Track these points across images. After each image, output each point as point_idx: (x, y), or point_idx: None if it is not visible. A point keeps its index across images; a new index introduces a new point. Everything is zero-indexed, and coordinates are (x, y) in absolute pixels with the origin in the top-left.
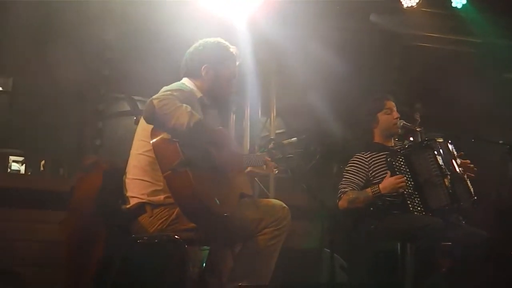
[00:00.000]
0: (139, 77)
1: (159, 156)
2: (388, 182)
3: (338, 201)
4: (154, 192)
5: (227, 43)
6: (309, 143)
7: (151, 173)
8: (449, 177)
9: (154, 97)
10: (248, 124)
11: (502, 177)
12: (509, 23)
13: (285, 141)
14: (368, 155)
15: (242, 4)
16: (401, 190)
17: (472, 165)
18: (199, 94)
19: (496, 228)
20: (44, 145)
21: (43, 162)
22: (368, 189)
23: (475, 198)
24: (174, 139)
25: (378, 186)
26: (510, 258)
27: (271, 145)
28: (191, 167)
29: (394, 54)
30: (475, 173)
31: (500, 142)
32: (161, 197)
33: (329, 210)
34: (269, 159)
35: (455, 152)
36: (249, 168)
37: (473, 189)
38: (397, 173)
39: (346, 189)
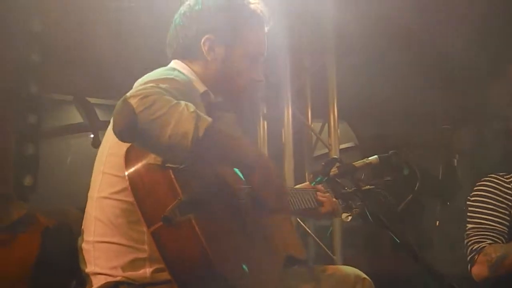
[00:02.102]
0: (97, 66)
1: (141, 198)
2: None
3: (471, 266)
4: (135, 263)
5: None
6: (403, 165)
7: (128, 229)
8: None
9: (129, 94)
10: (291, 135)
11: None
12: None
13: (358, 163)
14: (511, 179)
15: None
16: None
17: None
18: (202, 88)
19: None
20: None
21: None
22: None
23: None
24: (168, 165)
25: None
26: None
27: (334, 171)
28: (198, 213)
29: None
30: None
31: None
32: (147, 270)
33: (441, 279)
34: (326, 194)
35: None
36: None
37: None
38: None
39: (481, 244)
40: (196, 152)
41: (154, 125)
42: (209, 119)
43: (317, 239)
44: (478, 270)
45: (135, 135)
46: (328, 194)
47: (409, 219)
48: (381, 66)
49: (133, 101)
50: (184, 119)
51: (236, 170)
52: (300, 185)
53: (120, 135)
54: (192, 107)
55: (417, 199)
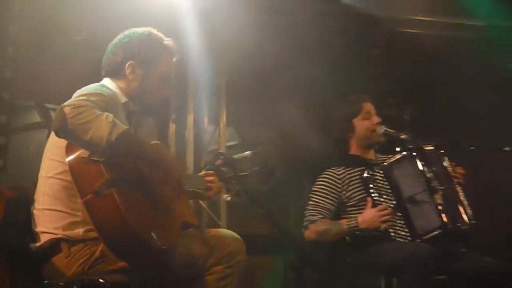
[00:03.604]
0: (53, 81)
1: (77, 178)
2: (368, 215)
3: (304, 230)
4: (71, 225)
5: (160, 34)
6: (267, 158)
7: (67, 200)
8: (440, 193)
9: (65, 103)
10: (192, 135)
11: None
12: None
13: (237, 156)
14: (342, 171)
15: None
16: (384, 226)
17: (462, 172)
18: (123, 99)
19: (506, 257)
20: None
21: None
22: (343, 221)
23: (473, 222)
24: (92, 158)
25: (356, 219)
26: None
27: (219, 161)
28: (118, 189)
29: (374, 43)
30: (483, 189)
31: (507, 149)
32: (80, 230)
33: (295, 240)
34: (212, 179)
35: (448, 164)
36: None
37: (480, 211)
38: (375, 191)
39: (314, 217)
40: (111, 149)
41: (80, 128)
42: (124, 127)
43: (208, 210)
44: (309, 234)
45: (66, 134)
46: (214, 178)
47: (277, 197)
48: (259, 87)
49: (66, 109)
50: (102, 126)
51: None
52: (197, 174)
53: (56, 133)
54: (111, 118)
55: (281, 183)
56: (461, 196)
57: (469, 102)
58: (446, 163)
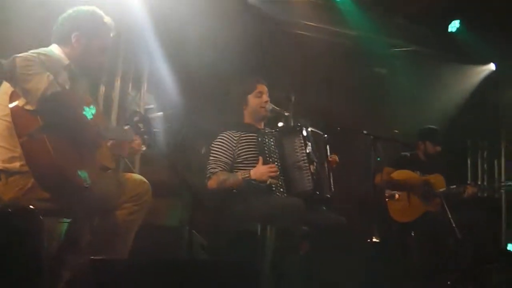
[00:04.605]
0: (5, 39)
1: (17, 121)
2: (260, 170)
3: (208, 180)
4: (11, 159)
5: (101, 13)
6: (175, 120)
7: (9, 139)
8: (315, 164)
9: (18, 55)
10: (117, 96)
11: (366, 168)
12: (384, 19)
13: (151, 115)
14: (237, 134)
15: None
16: (270, 180)
17: (336, 160)
18: (66, 61)
19: (356, 217)
20: None
21: None
22: (239, 173)
23: (332, 191)
24: (28, 108)
25: (250, 172)
26: (366, 246)
27: (136, 118)
28: (49, 135)
29: (273, 40)
30: (344, 164)
31: (364, 132)
32: (17, 164)
33: (190, 188)
34: (131, 132)
35: (326, 144)
36: (110, 142)
37: (339, 180)
38: (267, 153)
39: (216, 170)
40: (44, 102)
41: (24, 77)
42: (59, 89)
43: (125, 158)
44: (211, 184)
45: (12, 78)
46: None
47: (182, 152)
48: (180, 62)
49: (18, 59)
50: (43, 81)
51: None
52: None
53: (4, 77)
54: (51, 78)
55: (186, 141)
56: (330, 173)
57: (340, 93)
58: (327, 148)
